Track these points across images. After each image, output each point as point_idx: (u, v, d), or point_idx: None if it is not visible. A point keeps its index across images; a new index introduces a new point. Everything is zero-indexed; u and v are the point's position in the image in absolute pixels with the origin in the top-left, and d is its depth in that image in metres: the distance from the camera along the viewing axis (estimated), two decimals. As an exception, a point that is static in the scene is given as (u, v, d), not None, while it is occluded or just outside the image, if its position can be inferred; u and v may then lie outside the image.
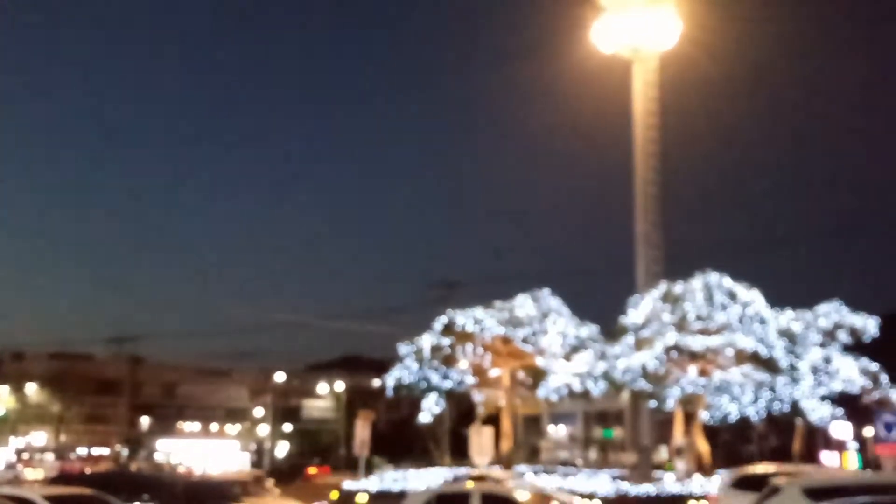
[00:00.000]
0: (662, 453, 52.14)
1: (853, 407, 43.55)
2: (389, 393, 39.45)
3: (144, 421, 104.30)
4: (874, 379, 39.43)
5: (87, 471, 42.91)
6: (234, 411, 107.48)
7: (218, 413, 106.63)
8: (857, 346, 39.74)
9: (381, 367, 47.37)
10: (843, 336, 38.86)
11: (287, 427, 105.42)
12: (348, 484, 36.36)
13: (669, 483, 32.16)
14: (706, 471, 34.92)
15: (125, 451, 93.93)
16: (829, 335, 38.74)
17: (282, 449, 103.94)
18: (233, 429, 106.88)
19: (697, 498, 29.31)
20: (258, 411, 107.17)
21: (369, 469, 45.37)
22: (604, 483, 32.13)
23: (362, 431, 39.72)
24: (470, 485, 23.30)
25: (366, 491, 33.56)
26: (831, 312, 38.77)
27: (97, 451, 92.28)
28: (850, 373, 38.09)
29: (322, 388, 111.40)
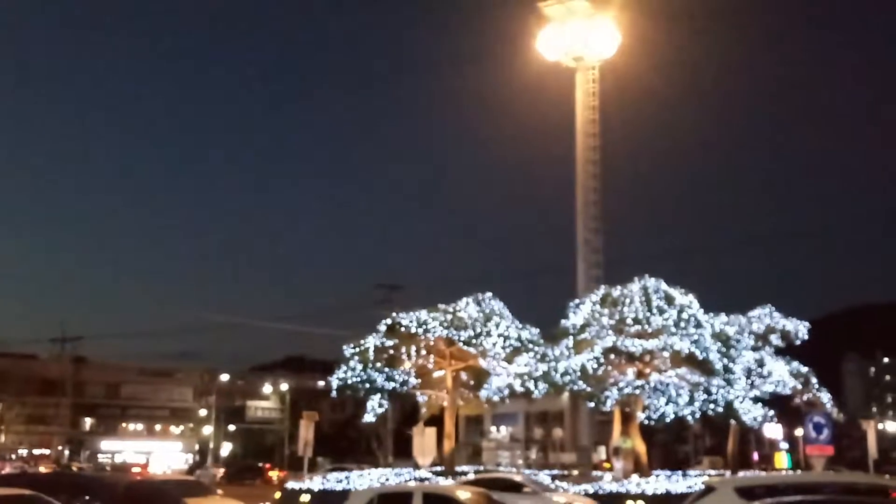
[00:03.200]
0: (601, 453, 53.06)
1: (784, 408, 44.90)
2: (334, 393, 39.64)
3: (87, 421, 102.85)
4: (805, 381, 40.73)
5: (28, 471, 42.43)
6: (179, 411, 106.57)
7: (162, 413, 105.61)
8: (789, 350, 40.94)
9: (326, 368, 47.60)
10: (775, 340, 40.04)
11: (231, 427, 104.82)
12: (291, 484, 36.52)
13: (607, 482, 32.78)
14: (643, 470, 35.68)
15: (67, 452, 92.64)
16: (762, 339, 39.87)
17: (226, 449, 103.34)
18: (177, 429, 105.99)
19: (634, 497, 29.92)
20: (202, 412, 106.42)
21: (312, 469, 45.52)
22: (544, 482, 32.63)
23: (306, 432, 39.87)
24: (411, 484, 23.70)
25: (309, 490, 33.75)
26: (764, 317, 39.91)
27: (38, 451, 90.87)
28: (782, 375, 39.25)
29: (266, 388, 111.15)
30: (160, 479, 31.65)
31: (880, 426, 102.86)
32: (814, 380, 41.11)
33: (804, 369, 40.89)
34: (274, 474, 69.43)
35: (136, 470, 60.50)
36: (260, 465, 76.56)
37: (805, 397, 41.47)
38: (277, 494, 35.45)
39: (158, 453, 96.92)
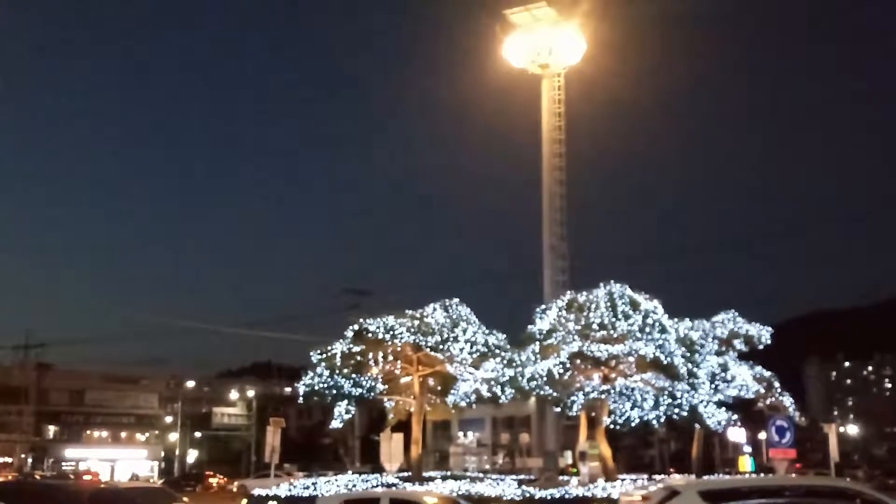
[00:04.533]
0: (568, 458, 53.36)
1: (748, 412, 45.42)
2: (300, 400, 39.54)
3: (51, 429, 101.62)
4: (767, 385, 41.21)
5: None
6: (144, 418, 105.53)
7: (127, 420, 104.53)
8: (752, 354, 41.42)
9: (293, 374, 47.50)
10: (739, 344, 40.47)
11: (198, 434, 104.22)
12: (258, 490, 36.40)
13: (574, 487, 32.99)
14: (609, 474, 35.95)
15: (30, 460, 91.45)
16: (726, 343, 40.28)
17: (192, 456, 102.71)
18: (142, 436, 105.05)
19: (600, 501, 30.14)
20: (168, 418, 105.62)
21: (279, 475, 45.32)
22: (510, 488, 32.83)
23: (273, 438, 39.79)
24: (379, 490, 23.75)
25: (276, 497, 33.66)
26: (727, 322, 40.31)
27: (1, 460, 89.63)
28: (745, 379, 39.69)
29: (233, 395, 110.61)
30: (124, 486, 31.42)
31: (841, 429, 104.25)
32: (776, 384, 41.59)
33: (767, 374, 41.36)
34: (214, 481, 69.38)
35: (87, 478, 60.01)
36: (201, 472, 76.66)
37: (768, 401, 41.94)
38: (244, 501, 35.34)
39: (123, 461, 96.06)
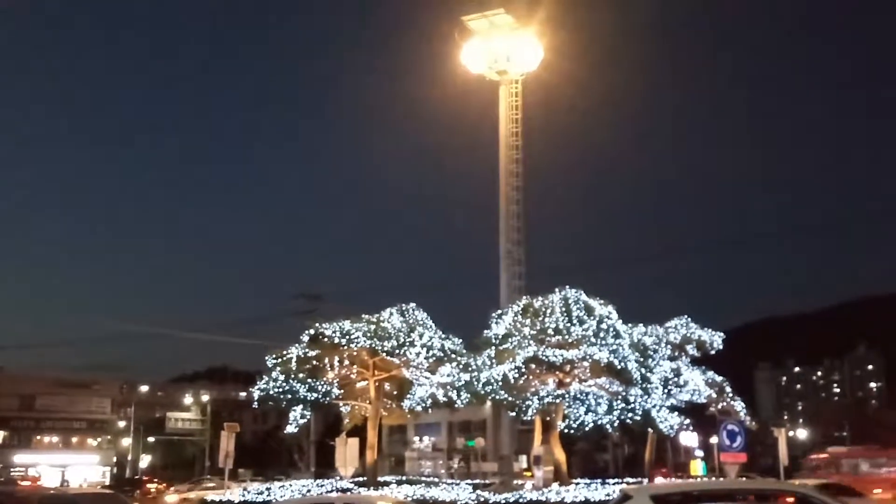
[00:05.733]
0: (523, 462, 53.59)
1: (700, 417, 45.93)
2: (255, 404, 39.33)
3: (0, 434, 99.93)
4: (719, 390, 41.73)
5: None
6: (96, 423, 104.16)
7: (79, 425, 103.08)
8: (704, 360, 41.92)
9: (248, 379, 47.22)
10: (691, 350, 40.93)
11: (151, 439, 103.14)
12: (212, 496, 36.15)
13: (528, 491, 33.16)
14: (563, 478, 36.18)
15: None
16: (679, 349, 40.72)
17: (145, 461, 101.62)
18: (94, 441, 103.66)
19: (554, 505, 30.32)
20: (121, 423, 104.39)
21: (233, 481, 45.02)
22: (465, 492, 32.96)
23: (227, 443, 39.52)
24: (333, 495, 23.75)
25: (229, 502, 33.48)
26: (680, 327, 40.73)
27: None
28: (698, 384, 40.17)
29: (187, 399, 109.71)
30: (74, 492, 31.06)
31: (791, 433, 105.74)
32: (728, 389, 42.08)
33: (719, 379, 41.84)
34: (153, 486, 69.40)
35: (25, 483, 59.30)
36: (140, 478, 76.79)
37: (719, 406, 42.42)
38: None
39: (75, 466, 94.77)
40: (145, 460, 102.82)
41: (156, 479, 76.04)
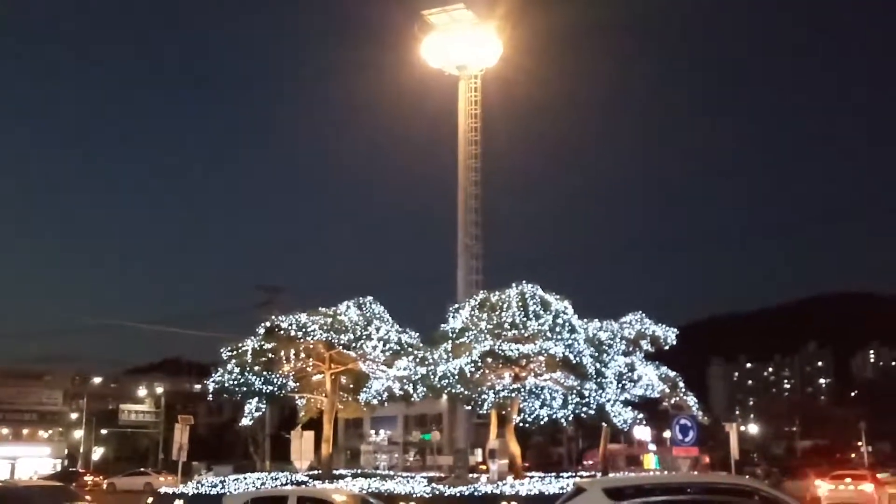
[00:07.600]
0: (478, 455, 53.83)
1: (653, 411, 46.44)
2: (210, 397, 39.10)
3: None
4: (672, 385, 42.20)
5: None
6: (47, 415, 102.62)
7: (29, 417, 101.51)
8: (658, 355, 42.38)
9: (203, 371, 46.91)
10: (646, 345, 41.35)
11: (104, 431, 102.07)
12: (165, 488, 35.88)
13: (483, 484, 33.33)
14: (518, 472, 36.41)
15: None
16: (633, 344, 41.10)
17: (98, 453, 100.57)
18: (45, 433, 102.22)
19: (508, 498, 30.53)
20: (73, 415, 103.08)
21: (187, 473, 44.72)
22: (420, 485, 33.04)
23: (181, 435, 39.26)
24: (287, 488, 23.72)
25: (182, 495, 33.25)
26: (635, 323, 41.12)
27: None
28: (651, 379, 40.58)
29: (141, 391, 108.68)
30: (25, 485, 30.63)
31: (742, 428, 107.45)
32: (681, 384, 42.52)
33: (672, 374, 42.28)
34: (89, 479, 71.23)
35: None
36: (77, 471, 77.85)
37: (672, 401, 42.88)
38: (150, 500, 34.81)
39: (25, 458, 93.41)
40: (98, 453, 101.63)
41: (91, 473, 77.70)
